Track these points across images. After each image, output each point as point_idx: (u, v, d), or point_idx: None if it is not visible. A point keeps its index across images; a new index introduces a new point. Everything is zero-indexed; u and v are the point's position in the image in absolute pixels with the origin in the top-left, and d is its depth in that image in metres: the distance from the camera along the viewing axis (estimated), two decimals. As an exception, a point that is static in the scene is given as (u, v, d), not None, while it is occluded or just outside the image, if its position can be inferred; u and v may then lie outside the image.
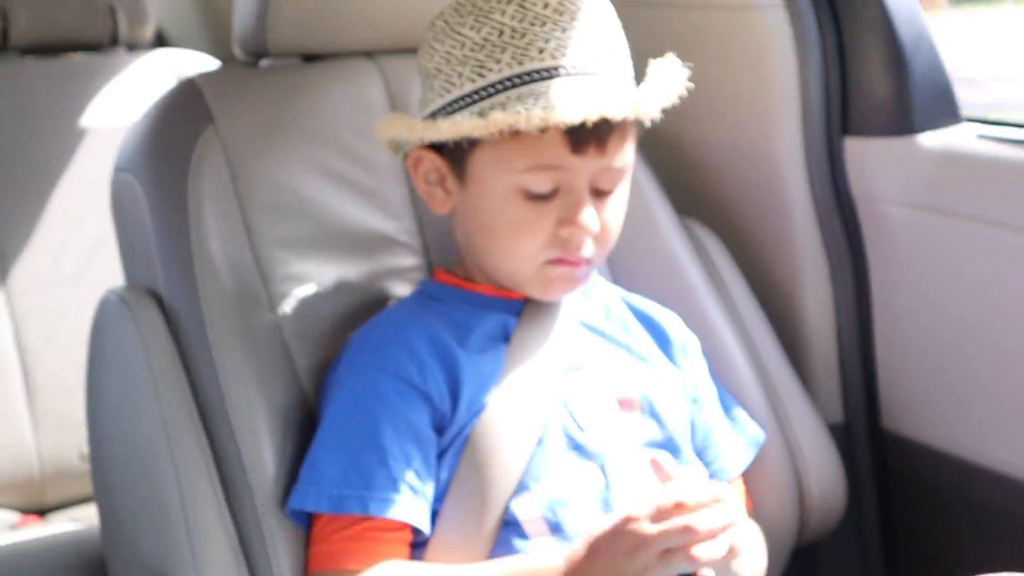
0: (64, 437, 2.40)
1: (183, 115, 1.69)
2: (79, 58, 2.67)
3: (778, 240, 1.89)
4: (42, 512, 2.40)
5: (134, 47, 2.74)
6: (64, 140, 2.57)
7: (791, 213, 1.87)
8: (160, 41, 2.98)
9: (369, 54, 1.81)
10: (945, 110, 1.81)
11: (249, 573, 1.51)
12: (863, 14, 1.83)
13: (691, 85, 1.53)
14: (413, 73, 1.65)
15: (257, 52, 1.77)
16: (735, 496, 1.42)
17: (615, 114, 1.39)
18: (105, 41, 2.69)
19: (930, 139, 1.79)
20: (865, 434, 1.89)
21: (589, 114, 1.37)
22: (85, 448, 2.01)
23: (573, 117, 1.37)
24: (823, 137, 1.85)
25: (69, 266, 2.45)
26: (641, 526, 1.31)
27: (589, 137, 1.42)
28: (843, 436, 1.85)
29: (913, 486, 1.85)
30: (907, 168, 1.80)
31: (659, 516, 1.31)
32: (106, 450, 1.69)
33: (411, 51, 1.70)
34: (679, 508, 1.31)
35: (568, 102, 1.39)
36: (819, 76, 1.85)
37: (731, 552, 1.34)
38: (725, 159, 1.93)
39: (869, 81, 1.84)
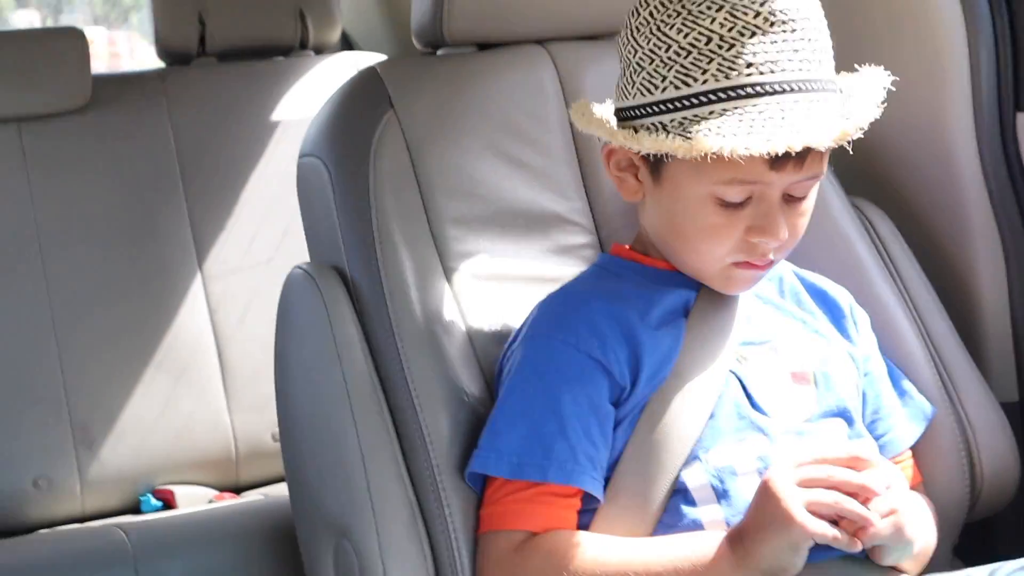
0: (257, 417, 2.43)
1: (365, 101, 1.70)
2: (271, 61, 2.70)
3: (949, 218, 1.85)
4: (237, 490, 2.43)
5: (321, 50, 2.77)
6: (255, 137, 2.62)
7: (963, 190, 1.83)
8: (346, 44, 3.03)
9: (540, 41, 1.80)
10: None
11: (425, 530, 1.52)
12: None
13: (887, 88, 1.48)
14: (584, 59, 1.70)
15: (434, 42, 1.78)
16: (892, 470, 1.41)
17: (819, 144, 1.34)
18: (295, 45, 2.73)
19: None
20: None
21: (794, 145, 1.32)
22: (276, 428, 2.01)
23: (777, 148, 1.32)
24: (995, 114, 1.80)
25: (260, 253, 2.49)
26: (782, 483, 1.31)
27: (789, 156, 1.36)
28: (1018, 414, 1.79)
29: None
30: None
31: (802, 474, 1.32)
32: (293, 416, 1.71)
33: (581, 39, 1.74)
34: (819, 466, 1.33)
35: (773, 129, 1.34)
36: (991, 53, 1.79)
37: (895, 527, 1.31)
38: (895, 138, 1.87)
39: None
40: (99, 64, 2.65)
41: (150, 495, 2.37)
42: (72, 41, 2.58)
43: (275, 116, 2.62)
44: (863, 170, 1.87)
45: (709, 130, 1.35)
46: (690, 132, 1.36)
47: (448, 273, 1.63)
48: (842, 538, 1.29)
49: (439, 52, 1.80)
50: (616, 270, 1.59)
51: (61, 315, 2.41)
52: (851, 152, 1.57)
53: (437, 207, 1.66)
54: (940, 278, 1.79)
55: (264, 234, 2.51)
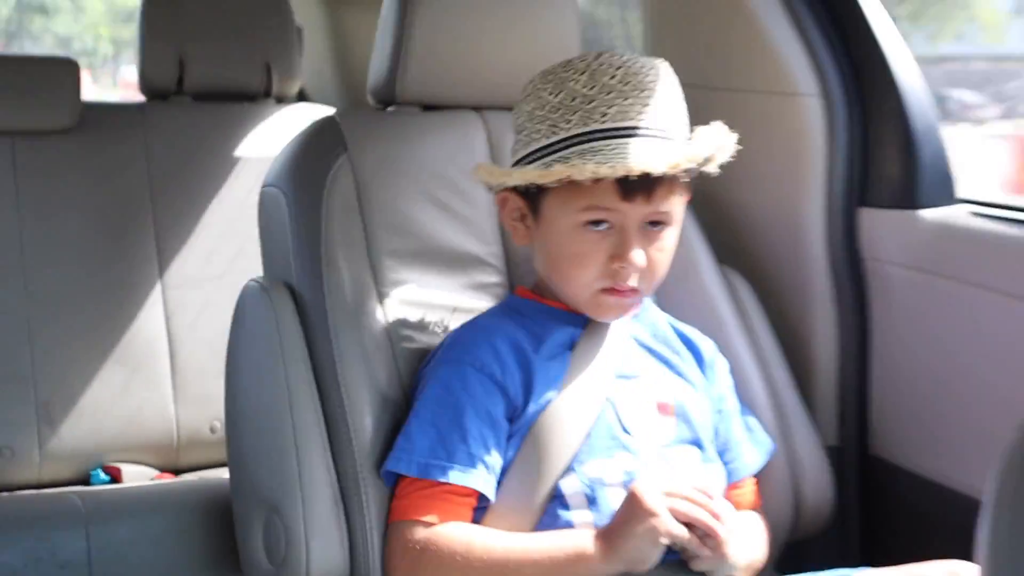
0: (199, 410, 2.43)
1: (324, 144, 1.73)
2: (238, 105, 2.70)
3: (797, 288, 1.91)
4: (176, 472, 2.43)
5: (281, 100, 2.76)
6: (219, 169, 2.61)
7: (810, 266, 1.89)
8: (302, 97, 3.01)
9: (477, 108, 1.84)
10: (945, 191, 1.82)
11: (344, 514, 1.56)
12: (885, 106, 1.84)
13: (733, 155, 1.54)
14: (510, 126, 1.67)
15: (387, 100, 1.81)
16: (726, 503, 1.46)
17: (652, 169, 1.41)
18: (260, 93, 2.72)
19: (931, 213, 1.80)
20: (856, 457, 1.89)
21: (632, 169, 1.41)
22: (216, 421, 2.06)
23: (617, 173, 1.42)
24: (842, 205, 1.87)
25: (214, 269, 2.48)
26: (649, 495, 1.38)
27: (638, 187, 1.45)
28: (837, 456, 1.86)
29: (892, 502, 1.86)
30: (910, 236, 1.81)
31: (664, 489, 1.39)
32: (239, 406, 1.72)
33: (511, 108, 1.71)
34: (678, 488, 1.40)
35: (618, 159, 1.43)
36: (844, 155, 1.86)
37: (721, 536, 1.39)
38: (759, 219, 1.95)
39: (884, 162, 1.85)
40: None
41: (100, 470, 2.36)
42: (68, 68, 2.59)
43: (237, 152, 2.62)
44: (731, 244, 1.91)
45: (566, 162, 1.44)
46: (552, 166, 1.45)
47: (381, 297, 1.66)
48: (692, 540, 1.37)
49: (389, 109, 1.82)
50: (518, 307, 1.64)
51: (36, 308, 2.41)
52: (709, 216, 1.68)
53: (377, 240, 1.69)
54: (784, 337, 1.84)
55: (220, 253, 2.50)
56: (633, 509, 1.39)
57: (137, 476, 2.39)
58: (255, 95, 2.73)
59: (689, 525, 1.39)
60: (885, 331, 1.87)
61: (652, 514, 1.36)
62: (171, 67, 2.65)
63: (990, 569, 0.72)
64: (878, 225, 1.87)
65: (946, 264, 1.77)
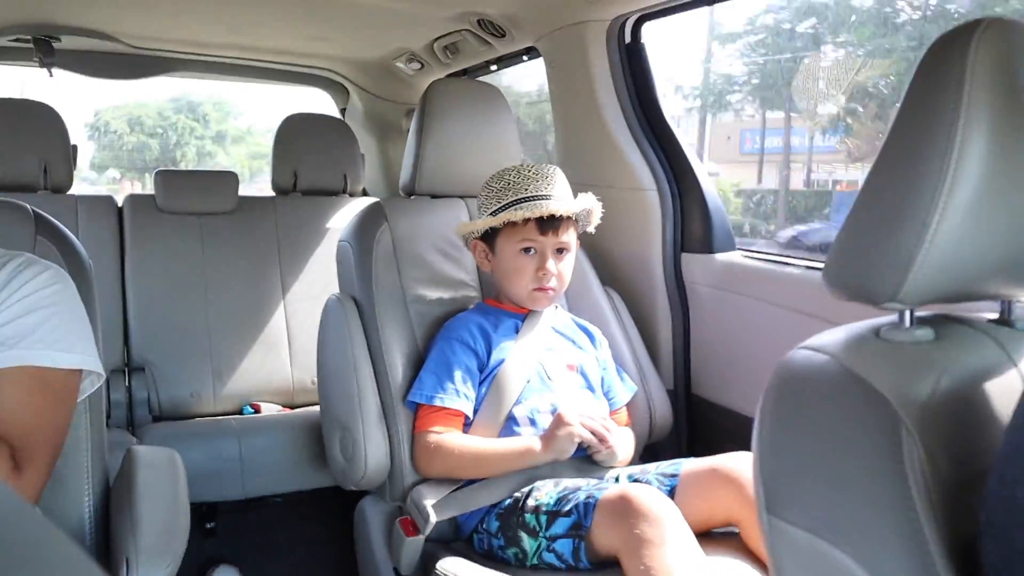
0: (304, 372, 2.38)
1: (373, 217, 1.71)
2: (328, 198, 2.67)
3: (648, 298, 1.89)
4: (292, 407, 2.38)
5: (353, 194, 2.72)
6: (315, 233, 2.58)
7: (656, 286, 1.88)
8: (364, 193, 2.95)
9: (462, 196, 1.83)
10: (728, 243, 1.83)
11: (386, 428, 1.55)
12: (692, 194, 1.85)
13: (609, 222, 1.61)
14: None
15: (409, 192, 1.80)
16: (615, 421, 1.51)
17: (556, 212, 1.50)
18: (340, 191, 2.68)
19: (721, 256, 1.81)
20: (684, 395, 1.88)
21: (543, 212, 1.49)
22: (313, 378, 2.03)
23: (535, 215, 1.50)
24: (672, 251, 1.87)
25: (312, 290, 2.45)
26: (570, 415, 1.41)
27: (549, 226, 1.52)
28: (673, 395, 1.85)
29: (705, 422, 1.86)
30: (709, 268, 1.81)
31: (578, 414, 1.42)
32: (325, 369, 1.69)
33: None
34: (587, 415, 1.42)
35: (536, 209, 1.50)
36: (671, 223, 1.86)
37: (606, 444, 1.43)
38: (626, 260, 1.94)
39: (694, 227, 1.85)
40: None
41: (248, 406, 2.34)
42: (231, 177, 2.58)
43: (327, 224, 2.59)
44: (611, 274, 1.91)
45: (506, 212, 1.51)
46: (498, 216, 1.51)
47: (406, 302, 1.64)
48: (593, 442, 1.41)
49: (412, 197, 1.80)
50: (484, 309, 1.63)
51: (212, 314, 2.38)
52: (602, 259, 1.69)
53: (404, 271, 1.67)
54: (642, 328, 1.83)
55: (315, 281, 2.46)
56: (560, 422, 1.41)
57: (269, 410, 2.35)
58: (337, 192, 2.69)
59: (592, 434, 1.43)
60: (698, 322, 1.86)
61: (570, 425, 1.40)
62: (290, 176, 2.62)
63: (758, 453, 0.73)
64: (692, 263, 1.86)
65: (729, 283, 1.77)
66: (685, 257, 1.87)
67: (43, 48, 2.45)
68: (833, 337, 0.73)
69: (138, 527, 0.98)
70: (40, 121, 2.26)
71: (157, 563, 0.93)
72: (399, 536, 1.43)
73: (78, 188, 2.45)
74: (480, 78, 2.59)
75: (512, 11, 2.03)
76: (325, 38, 2.58)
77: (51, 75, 2.61)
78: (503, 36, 2.17)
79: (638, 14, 1.85)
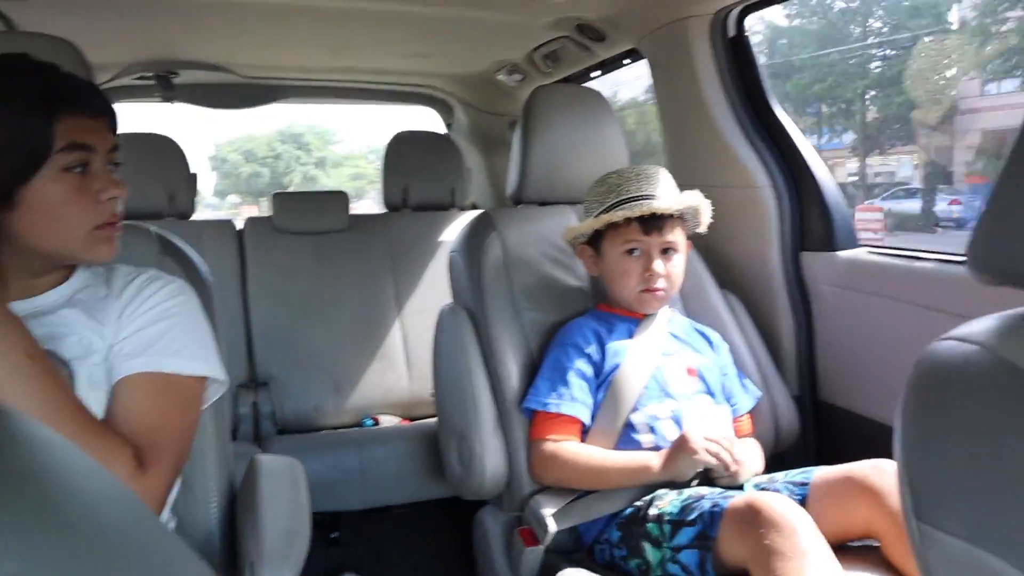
0: (421, 384, 2.42)
1: (482, 227, 1.73)
2: (438, 212, 2.71)
3: (767, 301, 1.84)
4: (411, 419, 2.43)
5: (463, 208, 2.76)
6: (428, 247, 2.62)
7: (775, 288, 1.83)
8: (473, 206, 3.01)
9: (569, 202, 1.82)
10: (850, 240, 1.76)
11: (503, 435, 1.56)
12: (810, 190, 1.79)
13: (724, 223, 1.58)
14: None
15: (517, 200, 1.81)
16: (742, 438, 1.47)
17: (658, 210, 1.48)
18: (448, 205, 2.72)
19: (843, 254, 1.74)
20: (810, 401, 1.81)
21: (644, 211, 1.48)
22: (431, 389, 2.07)
23: (634, 213, 1.48)
24: (791, 251, 1.82)
25: (427, 303, 2.47)
26: (693, 437, 1.36)
27: (652, 225, 1.50)
28: (799, 401, 1.78)
29: (834, 428, 1.78)
30: (831, 267, 1.75)
31: (703, 435, 1.36)
32: (441, 379, 1.72)
33: None
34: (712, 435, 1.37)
35: (636, 208, 1.48)
36: (789, 222, 1.81)
37: (737, 463, 1.37)
38: (742, 259, 1.89)
39: (813, 225, 1.79)
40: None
41: (368, 418, 2.39)
42: (342, 197, 2.66)
43: (439, 238, 2.62)
44: (728, 277, 1.86)
45: (607, 213, 1.49)
46: (599, 217, 1.50)
47: (517, 311, 1.64)
48: (718, 467, 1.35)
49: (519, 205, 1.82)
50: (598, 313, 1.61)
51: (332, 330, 2.44)
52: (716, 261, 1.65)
53: (514, 278, 1.67)
54: (762, 328, 1.79)
55: (428, 294, 2.49)
56: (683, 444, 1.36)
57: (388, 422, 2.40)
58: (446, 206, 2.73)
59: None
60: (822, 324, 1.80)
61: (695, 451, 1.34)
62: (400, 192, 2.67)
63: (903, 456, 0.67)
64: (813, 262, 1.80)
65: (855, 282, 1.70)
66: (805, 256, 1.80)
67: (164, 83, 2.61)
68: (982, 325, 0.67)
69: (261, 532, 1.01)
70: (163, 153, 2.40)
71: (279, 567, 0.96)
72: (519, 546, 1.43)
73: (203, 214, 2.62)
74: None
75: (611, 13, 2.01)
76: (426, 55, 2.63)
77: (172, 107, 2.77)
78: (603, 40, 2.16)
79: (741, 6, 1.80)
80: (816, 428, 1.81)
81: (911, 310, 1.54)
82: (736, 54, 1.88)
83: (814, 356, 1.81)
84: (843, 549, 1.23)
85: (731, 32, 1.88)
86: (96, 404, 0.98)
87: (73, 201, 0.97)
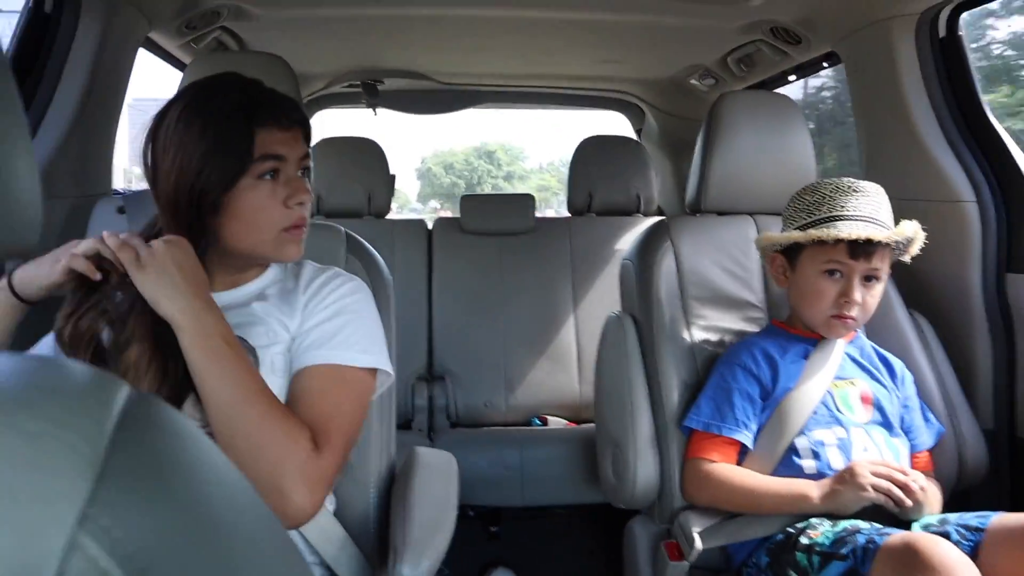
0: (591, 388, 2.38)
1: (657, 235, 1.71)
2: (622, 218, 2.72)
3: (964, 325, 1.70)
4: (578, 422, 2.44)
5: (646, 214, 2.74)
6: (605, 252, 2.64)
7: (973, 312, 1.68)
8: (660, 211, 2.97)
9: (750, 213, 1.77)
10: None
11: (658, 449, 1.54)
12: (1022, 202, 1.64)
13: (922, 235, 1.46)
14: (772, 226, 1.64)
15: (696, 209, 1.78)
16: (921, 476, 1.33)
17: (872, 236, 1.37)
18: (633, 211, 2.72)
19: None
20: (1007, 437, 1.66)
21: (859, 236, 1.37)
22: None
23: (849, 237, 1.38)
24: (995, 272, 1.67)
25: (603, 309, 2.44)
26: (862, 470, 1.29)
27: (861, 251, 1.40)
28: (992, 436, 1.63)
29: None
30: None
31: (873, 469, 1.29)
32: (602, 386, 1.72)
33: (772, 214, 1.68)
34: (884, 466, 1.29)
35: (849, 230, 1.38)
36: (994, 240, 1.66)
37: (914, 497, 1.27)
38: (938, 278, 1.75)
39: (1023, 244, 1.64)
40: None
41: (536, 418, 2.44)
42: (528, 200, 2.72)
43: (620, 244, 2.61)
44: (917, 296, 1.75)
45: (816, 229, 1.41)
46: (807, 231, 1.41)
47: (688, 324, 1.62)
48: (888, 504, 1.27)
49: (697, 215, 1.78)
50: (773, 332, 1.56)
51: (507, 328, 2.51)
52: (911, 280, 1.54)
53: (687, 289, 1.65)
54: (955, 360, 1.66)
55: (605, 301, 2.48)
56: (852, 476, 1.30)
57: (556, 423, 2.43)
58: (631, 212, 2.73)
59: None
60: (1028, 354, 1.63)
61: (862, 487, 1.28)
62: (585, 197, 2.70)
63: None
64: (1020, 284, 1.64)
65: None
66: (1011, 278, 1.65)
67: (369, 90, 2.81)
68: None
69: (408, 521, 1.07)
70: (365, 155, 2.59)
71: (419, 555, 1.01)
72: (663, 559, 1.42)
73: (408, 215, 2.77)
74: (777, 90, 2.49)
75: (808, 15, 1.93)
76: (617, 60, 2.65)
77: (375, 114, 2.97)
78: (799, 43, 2.08)
79: (952, 4, 1.67)
80: (1012, 468, 1.65)
81: None
82: (946, 56, 1.75)
83: (1014, 388, 1.66)
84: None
85: (941, 33, 1.75)
86: (276, 389, 1.08)
87: (266, 207, 1.07)
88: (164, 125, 1.05)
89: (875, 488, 1.26)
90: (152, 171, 1.06)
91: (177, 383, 0.99)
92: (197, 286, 1.00)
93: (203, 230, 1.05)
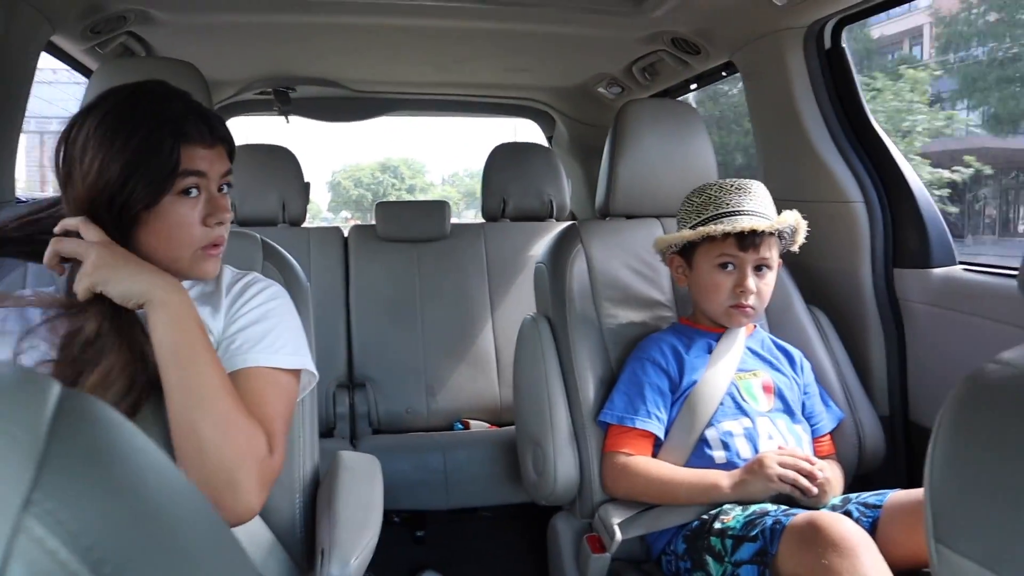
0: (511, 391, 2.42)
1: (569, 238, 1.75)
2: (535, 223, 2.75)
3: (857, 318, 1.79)
4: (499, 425, 2.46)
5: (559, 219, 2.78)
6: (521, 256, 2.65)
7: (865, 304, 1.78)
8: (572, 216, 3.02)
9: (657, 216, 1.82)
10: (947, 257, 1.70)
11: (577, 446, 1.57)
12: (905, 206, 1.74)
13: (815, 237, 1.54)
14: (674, 226, 1.66)
15: (604, 213, 1.83)
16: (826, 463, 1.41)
17: (757, 227, 1.45)
18: (546, 216, 2.76)
19: (939, 271, 1.68)
20: (901, 422, 1.76)
21: (744, 227, 1.44)
22: None
23: (735, 230, 1.45)
24: (883, 267, 1.77)
25: (520, 313, 2.47)
26: (769, 462, 1.35)
27: (749, 242, 1.47)
28: (888, 422, 1.73)
29: (924, 450, 1.72)
30: (926, 284, 1.69)
31: (779, 459, 1.35)
32: (520, 386, 1.74)
33: (674, 216, 1.73)
34: (791, 456, 1.35)
35: (735, 224, 1.45)
36: (881, 238, 1.76)
37: (818, 484, 1.34)
38: (832, 275, 1.85)
39: (908, 241, 1.73)
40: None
41: (458, 422, 2.45)
42: (443, 206, 2.73)
43: (534, 248, 2.63)
44: (815, 292, 1.83)
45: (704, 226, 1.47)
46: (696, 229, 1.47)
47: (600, 323, 1.65)
48: (794, 493, 1.33)
49: (607, 218, 1.82)
50: (679, 328, 1.61)
51: (426, 334, 2.52)
52: (806, 276, 1.62)
53: (598, 290, 1.68)
54: (850, 349, 1.74)
55: (522, 305, 2.49)
56: (760, 467, 1.36)
57: (478, 427, 2.45)
58: (544, 217, 2.77)
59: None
60: (915, 342, 1.74)
61: (769, 478, 1.34)
62: (499, 203, 2.73)
63: (929, 473, 0.67)
64: (906, 279, 1.75)
65: (951, 300, 1.64)
66: (898, 273, 1.75)
67: (281, 98, 2.77)
68: None
69: (334, 523, 1.08)
70: (280, 163, 2.55)
71: (347, 555, 1.02)
72: (586, 552, 1.45)
73: (319, 224, 2.73)
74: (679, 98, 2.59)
75: (705, 27, 2.01)
76: (526, 69, 2.69)
77: (288, 121, 2.93)
78: (699, 53, 2.15)
79: (836, 18, 1.77)
80: (906, 450, 1.75)
81: (1010, 331, 1.47)
82: (832, 66, 1.85)
83: (906, 376, 1.75)
84: (919, 575, 1.19)
85: (827, 44, 1.84)
86: None
87: (185, 224, 1.05)
88: (84, 129, 1.00)
89: (781, 478, 1.32)
90: (66, 176, 1.01)
91: (139, 388, 0.96)
92: (154, 267, 0.99)
93: (121, 241, 1.01)
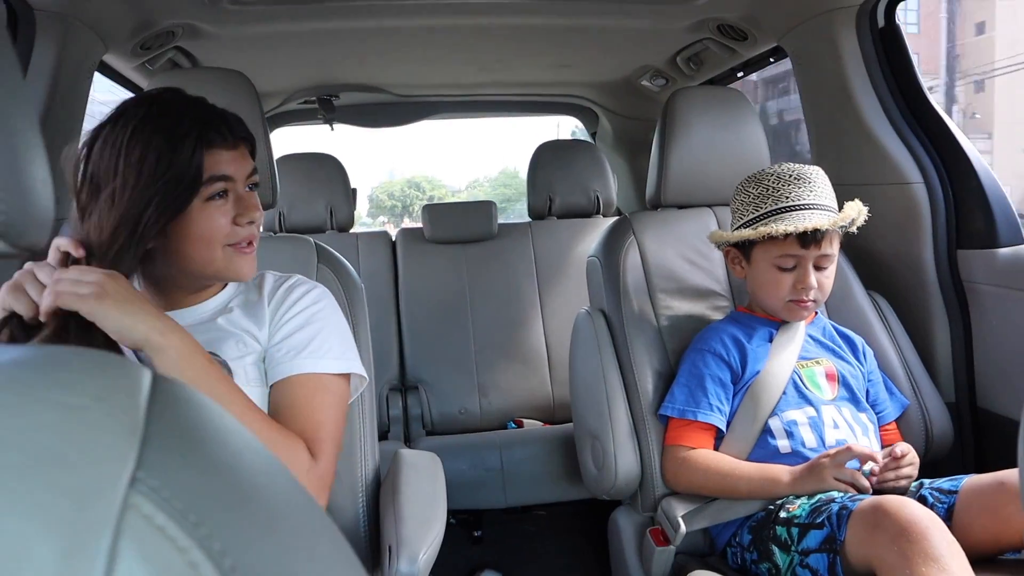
0: (563, 388, 2.46)
1: (621, 231, 1.76)
2: (582, 219, 2.76)
3: (920, 300, 1.76)
4: (552, 423, 2.46)
5: (605, 215, 2.79)
6: (570, 254, 2.67)
7: (928, 288, 1.74)
8: (618, 211, 3.02)
9: (708, 205, 1.82)
10: (1014, 236, 1.65)
11: (636, 440, 1.57)
12: (969, 185, 1.70)
13: (875, 221, 1.52)
14: (726, 214, 1.68)
15: (656, 204, 1.82)
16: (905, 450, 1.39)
17: (820, 226, 1.40)
18: (593, 212, 2.77)
19: (1006, 251, 1.64)
20: (968, 409, 1.72)
21: (807, 227, 1.41)
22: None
23: (797, 230, 1.41)
24: (946, 248, 1.73)
25: (570, 310, 2.49)
26: (825, 472, 1.34)
27: (811, 239, 1.43)
28: (954, 408, 1.69)
29: (991, 434, 1.68)
30: (992, 265, 1.65)
31: (836, 472, 1.33)
32: (577, 382, 1.75)
33: (727, 204, 1.71)
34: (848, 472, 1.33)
35: (798, 222, 1.42)
36: (943, 217, 1.72)
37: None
38: (891, 258, 1.81)
39: (973, 221, 1.69)
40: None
41: (511, 422, 2.46)
42: (489, 206, 2.74)
43: (582, 244, 2.64)
44: (876, 277, 1.81)
45: (765, 226, 1.44)
46: (757, 228, 1.44)
47: (656, 315, 1.66)
48: (851, 492, 1.31)
49: (658, 209, 1.82)
50: (737, 318, 1.60)
51: (477, 333, 2.54)
52: (867, 262, 1.59)
53: (653, 282, 1.69)
54: (913, 334, 1.72)
55: (572, 302, 2.52)
56: (817, 471, 1.34)
57: (531, 425, 2.46)
58: (591, 213, 2.78)
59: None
60: (981, 326, 1.70)
61: (825, 474, 1.33)
62: (545, 201, 2.75)
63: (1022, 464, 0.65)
64: (971, 260, 1.71)
65: (1017, 280, 1.60)
66: (962, 254, 1.71)
67: (325, 106, 2.82)
68: None
69: (400, 519, 1.10)
70: (326, 170, 2.60)
71: (415, 550, 1.03)
72: (649, 546, 1.45)
73: (358, 229, 2.77)
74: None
75: (752, 12, 1.99)
76: (568, 65, 2.69)
77: (332, 129, 2.98)
78: (745, 39, 2.14)
79: (890, -4, 1.74)
80: (974, 436, 1.71)
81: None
82: (886, 45, 1.82)
83: (972, 360, 1.72)
84: (997, 562, 1.18)
85: (880, 23, 1.81)
86: (255, 400, 1.08)
87: (216, 227, 1.05)
88: (106, 142, 0.98)
89: (838, 479, 1.32)
90: (88, 189, 0.98)
91: None
92: (155, 309, 0.94)
93: (143, 253, 0.99)
